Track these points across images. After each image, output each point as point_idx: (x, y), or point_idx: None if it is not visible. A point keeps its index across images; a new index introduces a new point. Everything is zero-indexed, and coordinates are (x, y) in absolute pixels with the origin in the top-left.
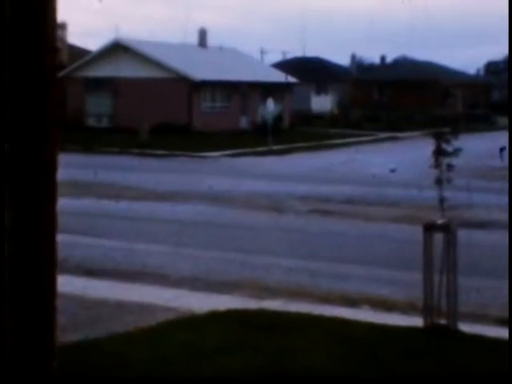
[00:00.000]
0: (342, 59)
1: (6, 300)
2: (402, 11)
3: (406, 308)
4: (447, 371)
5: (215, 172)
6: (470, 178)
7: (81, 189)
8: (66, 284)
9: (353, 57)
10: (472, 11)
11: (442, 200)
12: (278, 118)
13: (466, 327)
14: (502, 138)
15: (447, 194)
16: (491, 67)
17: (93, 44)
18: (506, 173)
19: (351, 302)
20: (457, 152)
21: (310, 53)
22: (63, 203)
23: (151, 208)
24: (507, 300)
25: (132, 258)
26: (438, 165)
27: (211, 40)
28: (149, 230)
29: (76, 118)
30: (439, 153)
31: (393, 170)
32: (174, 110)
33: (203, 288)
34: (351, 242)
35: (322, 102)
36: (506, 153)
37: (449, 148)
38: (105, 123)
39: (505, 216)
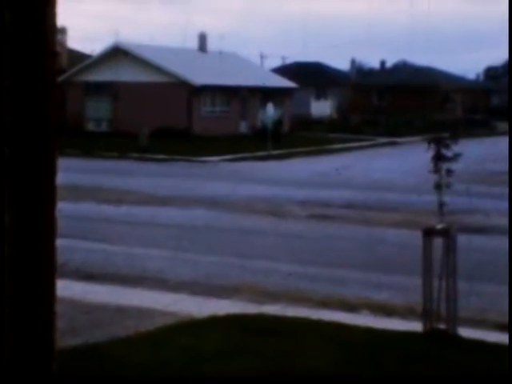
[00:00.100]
0: (342, 64)
1: (5, 300)
2: (402, 16)
3: (406, 313)
4: (446, 376)
5: (215, 176)
6: (470, 183)
7: (80, 193)
8: (66, 288)
9: (352, 62)
10: (471, 16)
11: (441, 205)
12: (278, 123)
13: (465, 332)
14: (501, 143)
15: (447, 198)
16: (490, 72)
17: (91, 48)
18: (506, 178)
19: (350, 306)
20: (456, 157)
21: (310, 57)
22: (63, 207)
23: (151, 212)
24: (507, 305)
25: (132, 263)
26: (437, 170)
27: (211, 44)
28: (148, 235)
29: (76, 122)
30: (438, 158)
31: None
32: (173, 115)
33: (203, 292)
34: (350, 247)
35: (322, 107)
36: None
37: (448, 153)
38: (104, 127)
39: (504, 221)
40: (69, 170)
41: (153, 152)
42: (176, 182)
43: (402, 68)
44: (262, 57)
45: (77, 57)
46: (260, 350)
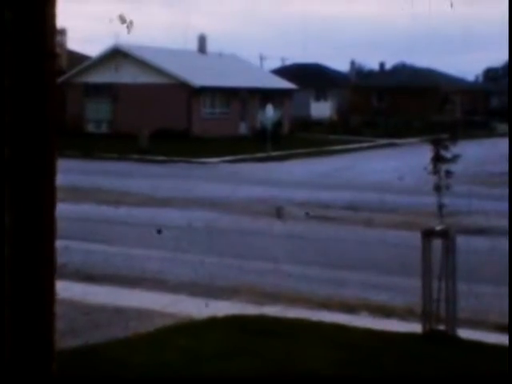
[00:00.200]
0: (342, 65)
1: (5, 300)
2: (402, 18)
3: (405, 314)
4: (446, 377)
5: (214, 178)
6: (469, 185)
7: (80, 194)
8: (66, 289)
9: (352, 63)
10: (471, 18)
11: (440, 206)
12: (278, 124)
13: (464, 333)
14: (500, 145)
15: (446, 200)
16: (490, 73)
17: (91, 50)
18: (506, 179)
19: (350, 307)
20: (455, 158)
21: (310, 59)
22: (63, 209)
23: (150, 214)
24: (506, 306)
25: (131, 264)
26: (436, 171)
27: (211, 46)
28: (148, 236)
29: (75, 123)
30: (438, 159)
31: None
32: (173, 116)
33: (202, 293)
34: (350, 248)
35: (322, 108)
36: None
37: (447, 154)
38: (104, 129)
39: (504, 222)
40: (69, 172)
41: (152, 153)
42: (176, 183)
43: (402, 69)
44: (262, 58)
45: (76, 58)
46: (259, 351)
